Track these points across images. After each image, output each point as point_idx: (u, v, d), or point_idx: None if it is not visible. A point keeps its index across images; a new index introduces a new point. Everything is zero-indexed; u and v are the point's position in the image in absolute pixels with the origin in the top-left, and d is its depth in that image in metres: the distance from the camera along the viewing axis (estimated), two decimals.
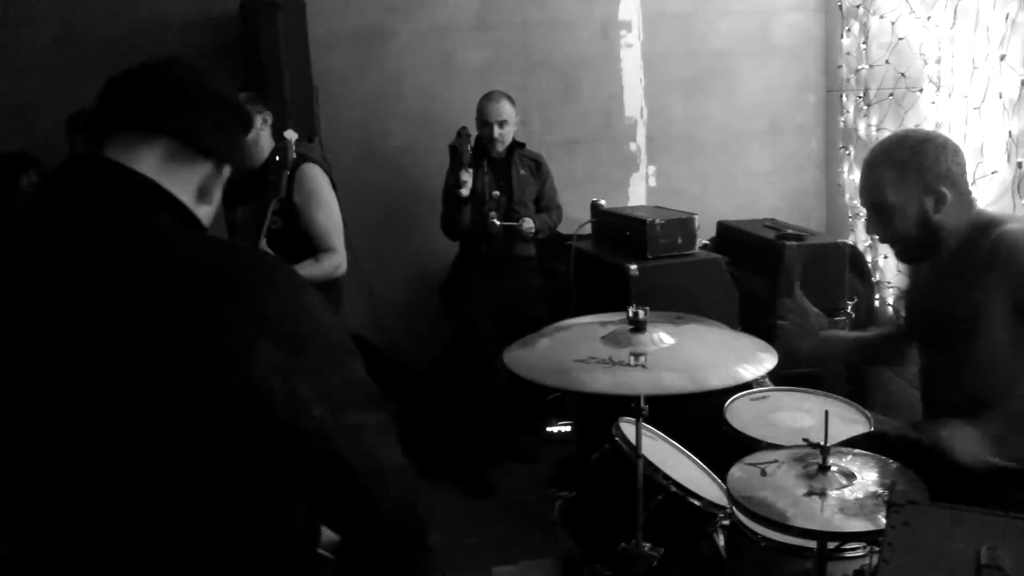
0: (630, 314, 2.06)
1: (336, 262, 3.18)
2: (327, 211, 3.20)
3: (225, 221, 3.24)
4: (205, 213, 1.25)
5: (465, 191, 3.89)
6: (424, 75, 4.82)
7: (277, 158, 2.91)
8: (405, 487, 1.15)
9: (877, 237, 2.23)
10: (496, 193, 4.10)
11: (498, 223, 4.02)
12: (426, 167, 4.35)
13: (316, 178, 3.19)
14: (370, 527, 1.13)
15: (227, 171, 1.28)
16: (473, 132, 4.02)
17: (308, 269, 3.05)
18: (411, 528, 1.17)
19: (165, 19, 4.59)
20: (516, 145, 4.22)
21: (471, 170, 3.90)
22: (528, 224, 4.06)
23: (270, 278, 1.12)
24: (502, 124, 4.09)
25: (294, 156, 2.95)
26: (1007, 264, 1.94)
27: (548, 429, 4.56)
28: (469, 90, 4.35)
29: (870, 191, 2.12)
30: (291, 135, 2.94)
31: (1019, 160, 3.33)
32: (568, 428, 4.51)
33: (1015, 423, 1.89)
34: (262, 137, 3.15)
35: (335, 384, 1.11)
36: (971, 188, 2.15)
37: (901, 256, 2.23)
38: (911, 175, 2.04)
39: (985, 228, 2.04)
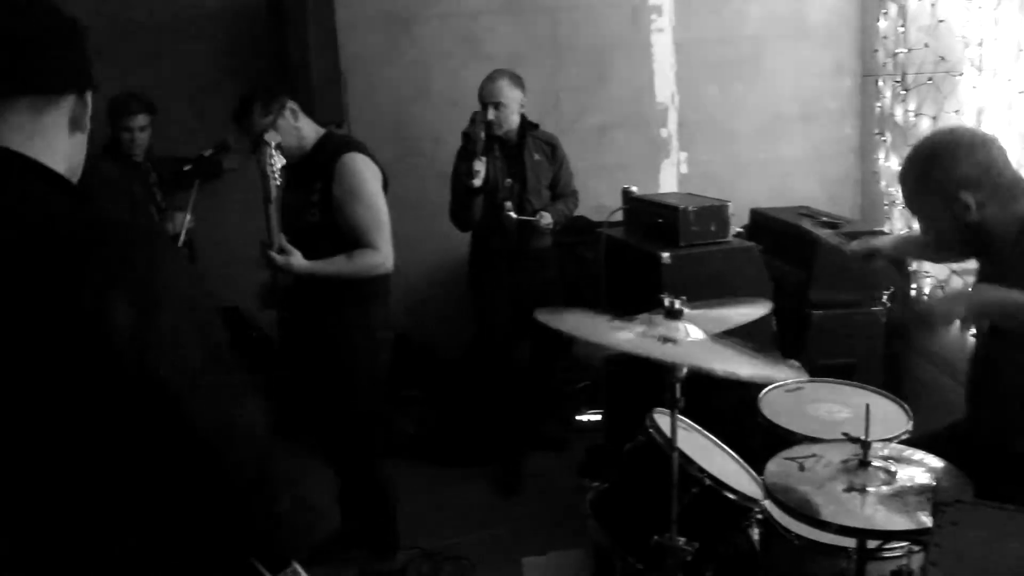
0: (666, 303, 2.01)
1: (375, 260, 2.94)
2: (369, 206, 2.94)
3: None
4: (79, 141, 1.24)
5: (477, 181, 3.71)
6: (452, 60, 4.78)
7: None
8: (254, 448, 1.16)
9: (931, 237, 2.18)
10: (509, 181, 3.93)
11: (514, 217, 3.85)
12: (454, 153, 4.30)
13: (359, 170, 2.93)
14: (215, 488, 1.13)
15: (90, 97, 1.25)
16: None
17: (338, 265, 2.89)
18: (257, 489, 1.16)
19: (191, 6, 4.57)
20: (529, 127, 4.04)
21: (484, 159, 3.72)
22: (546, 220, 3.88)
23: (126, 242, 1.12)
24: (498, 106, 3.88)
25: (272, 158, 2.75)
26: None
27: (577, 418, 4.53)
28: None
29: (907, 205, 2.14)
30: (273, 137, 2.78)
31: None
32: (598, 417, 4.47)
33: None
34: (300, 124, 2.98)
35: (190, 346, 1.11)
36: (1012, 173, 2.06)
37: (955, 255, 2.18)
38: (928, 191, 2.03)
39: None
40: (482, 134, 3.72)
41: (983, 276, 2.24)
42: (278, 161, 2.73)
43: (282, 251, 2.82)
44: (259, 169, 2.79)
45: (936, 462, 2.01)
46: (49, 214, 1.11)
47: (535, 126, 4.10)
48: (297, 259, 2.83)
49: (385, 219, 2.98)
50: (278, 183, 2.75)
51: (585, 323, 2.15)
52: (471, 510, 3.80)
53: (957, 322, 1.90)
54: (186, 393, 1.08)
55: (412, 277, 4.68)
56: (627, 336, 1.95)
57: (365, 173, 2.95)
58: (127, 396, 1.06)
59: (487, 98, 3.92)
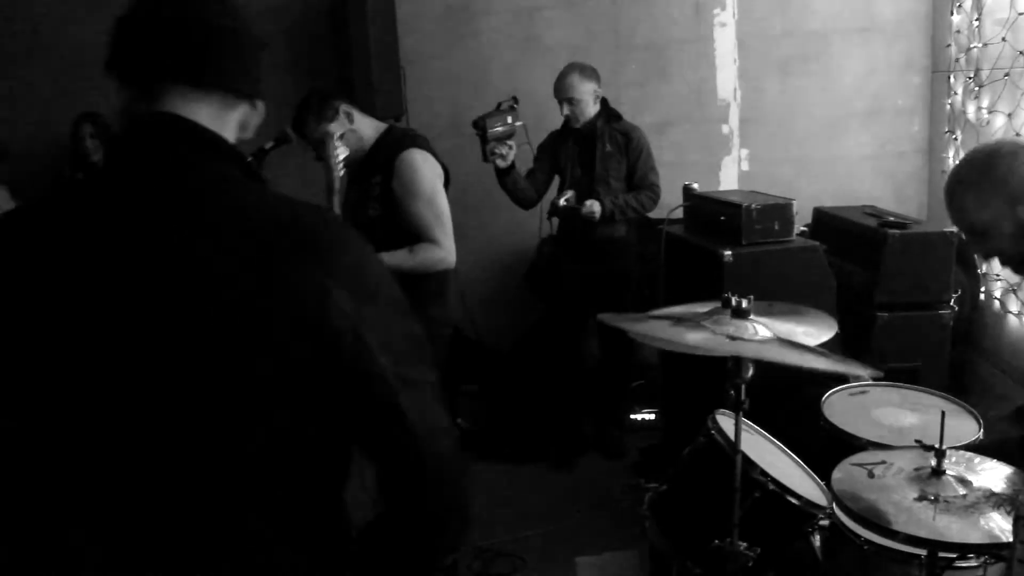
0: (733, 302, 1.97)
1: (437, 256, 2.92)
2: (429, 202, 2.92)
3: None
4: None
5: (500, 162, 3.81)
6: (511, 54, 4.76)
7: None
8: (453, 449, 1.18)
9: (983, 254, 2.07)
10: (578, 171, 3.98)
11: (561, 203, 3.89)
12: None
13: (418, 166, 2.91)
14: (414, 483, 1.16)
15: (261, 107, 1.29)
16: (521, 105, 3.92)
17: (399, 259, 2.86)
18: (455, 491, 1.19)
19: (253, 2, 4.61)
20: (611, 117, 4.06)
21: (511, 143, 3.79)
22: (589, 207, 3.87)
23: (340, 232, 1.15)
24: (571, 101, 3.95)
25: (335, 149, 2.78)
26: None
27: (632, 417, 4.48)
28: (556, 69, 4.26)
29: (957, 218, 2.00)
30: (335, 128, 2.83)
31: None
32: (652, 416, 4.42)
33: None
34: (357, 126, 2.97)
35: (397, 337, 1.14)
36: None
37: (1017, 269, 2.07)
38: (991, 193, 1.89)
39: None
40: (496, 122, 3.77)
41: None
42: (341, 151, 2.73)
43: None
44: (322, 160, 2.80)
45: (1013, 472, 1.93)
46: (259, 202, 1.14)
47: (617, 117, 4.09)
48: None
49: (446, 214, 2.97)
50: (341, 174, 2.76)
51: (649, 324, 2.10)
52: (525, 507, 3.78)
53: None
54: (399, 385, 1.11)
55: (467, 270, 4.67)
56: (696, 336, 1.90)
57: (424, 169, 2.93)
58: (345, 387, 1.09)
59: (560, 95, 3.99)
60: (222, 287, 1.05)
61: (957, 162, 2.05)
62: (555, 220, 4.12)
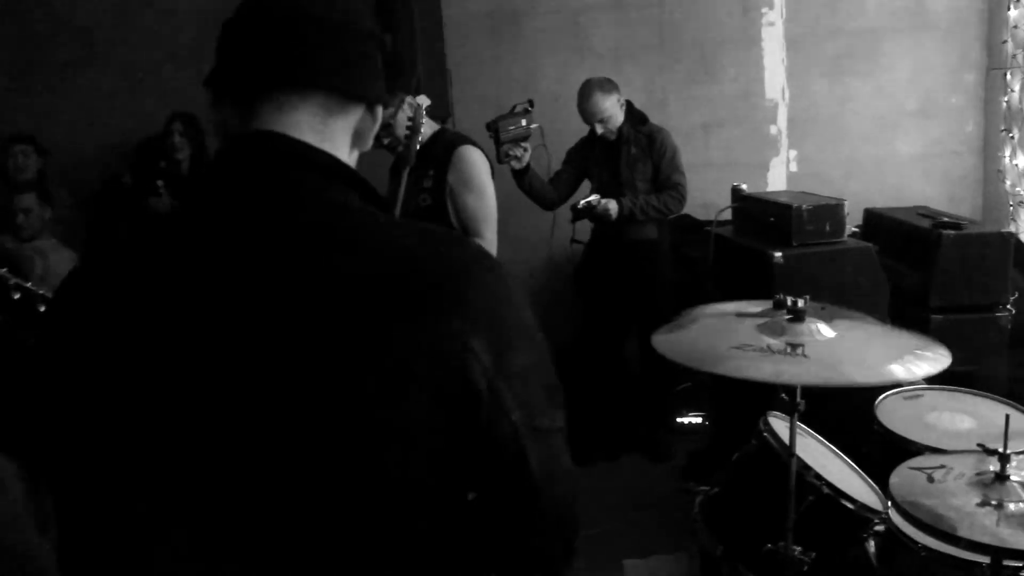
0: (788, 303, 1.94)
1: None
2: (480, 196, 3.01)
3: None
4: (355, 158, 1.11)
5: (515, 164, 3.81)
6: (558, 56, 4.75)
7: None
8: (569, 491, 1.10)
9: None
10: (605, 175, 4.02)
11: (581, 204, 3.91)
12: (557, 149, 4.27)
13: (475, 161, 3.02)
14: (526, 525, 1.07)
15: (380, 112, 1.12)
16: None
17: None
18: (564, 530, 1.12)
19: None
20: (635, 120, 4.06)
21: (525, 145, 3.80)
22: (604, 205, 3.88)
23: (478, 268, 0.99)
24: (602, 121, 3.98)
25: (423, 121, 2.85)
26: None
27: (679, 420, 4.44)
28: (603, 70, 4.25)
29: None
30: (423, 100, 2.89)
31: None
32: (699, 419, 4.38)
33: None
34: (411, 116, 2.99)
35: (534, 387, 1.01)
36: None
37: None
38: None
39: None
40: (511, 124, 3.78)
41: None
42: (424, 126, 2.83)
43: None
44: (402, 132, 2.89)
45: None
46: (386, 237, 0.98)
47: (642, 120, 4.08)
48: None
49: (494, 211, 3.05)
50: (418, 147, 2.83)
51: (705, 344, 2.03)
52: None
53: None
54: (529, 437, 0.99)
55: (513, 273, 4.68)
56: (754, 363, 1.84)
57: (480, 165, 3.03)
58: (473, 445, 0.96)
59: (588, 118, 4.01)
60: (346, 345, 0.90)
61: None
62: (579, 223, 4.13)
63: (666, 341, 2.00)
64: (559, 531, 1.11)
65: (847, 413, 2.65)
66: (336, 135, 1.04)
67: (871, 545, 2.29)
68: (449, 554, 1.04)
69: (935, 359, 1.92)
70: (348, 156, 1.08)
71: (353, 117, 1.07)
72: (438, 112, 4.31)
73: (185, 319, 0.92)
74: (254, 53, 1.00)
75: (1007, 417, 1.85)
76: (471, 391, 0.93)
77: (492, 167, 3.12)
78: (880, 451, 2.47)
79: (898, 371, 1.86)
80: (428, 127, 3.05)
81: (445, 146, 3.02)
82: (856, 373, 1.86)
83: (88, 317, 0.97)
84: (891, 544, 2.18)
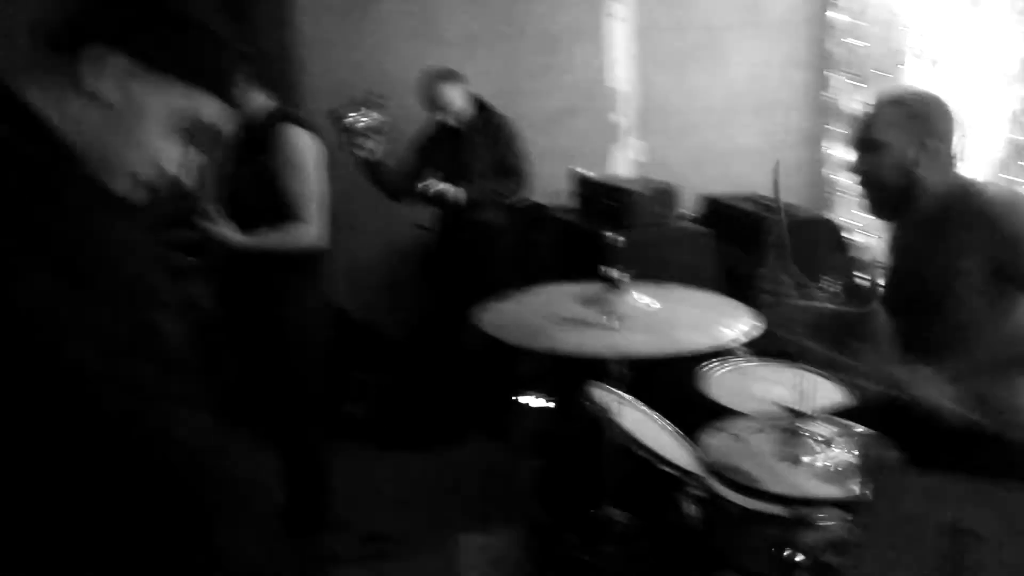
0: (604, 274, 2.00)
1: (309, 235, 2.94)
2: (305, 179, 2.93)
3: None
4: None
5: (368, 156, 3.80)
6: (409, 42, 4.72)
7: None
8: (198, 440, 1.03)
9: (858, 179, 2.19)
10: (449, 162, 4.05)
11: (431, 191, 3.94)
12: (408, 135, 4.27)
13: (299, 142, 2.92)
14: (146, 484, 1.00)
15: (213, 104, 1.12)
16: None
17: (270, 241, 2.89)
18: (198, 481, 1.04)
19: None
20: (480, 109, 4.12)
21: (377, 137, 3.78)
22: (454, 194, 3.94)
23: (56, 195, 0.98)
24: (447, 110, 4.01)
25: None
26: (991, 226, 1.93)
27: (520, 400, 4.50)
28: (453, 59, 4.26)
29: (868, 126, 2.11)
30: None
31: (1012, 137, 3.29)
32: (540, 399, 4.45)
33: (982, 369, 1.85)
34: (248, 98, 2.91)
35: (108, 325, 0.97)
36: (958, 156, 2.11)
37: (874, 206, 2.19)
38: (911, 121, 2.05)
39: (965, 191, 2.03)
40: (356, 115, 3.76)
41: (894, 251, 2.27)
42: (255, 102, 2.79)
43: (216, 221, 2.82)
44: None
45: (868, 433, 2.02)
46: None
47: (485, 107, 4.13)
48: (231, 231, 2.81)
49: (322, 194, 2.98)
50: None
51: (522, 319, 2.07)
52: (411, 492, 3.77)
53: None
54: (100, 377, 0.95)
55: (362, 259, 4.65)
56: (568, 336, 1.89)
57: (304, 146, 2.94)
58: (36, 380, 0.93)
59: (434, 108, 4.04)
60: None
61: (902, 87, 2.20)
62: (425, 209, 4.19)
63: (485, 317, 2.03)
64: (193, 483, 1.04)
65: (674, 385, 2.75)
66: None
67: (692, 509, 2.38)
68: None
69: (747, 327, 2.01)
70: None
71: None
72: (283, 97, 4.23)
73: None
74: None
75: (804, 378, 1.96)
76: (22, 320, 0.92)
77: (322, 149, 3.06)
78: (704, 420, 2.58)
79: (714, 338, 1.94)
80: (258, 105, 2.96)
81: (268, 127, 2.93)
82: (675, 342, 1.94)
83: None
84: (709, 506, 2.28)
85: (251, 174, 2.90)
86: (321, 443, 3.28)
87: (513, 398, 4.41)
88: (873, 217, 2.25)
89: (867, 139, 2.12)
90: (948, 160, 2.07)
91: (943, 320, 2.04)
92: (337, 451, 3.68)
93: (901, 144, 2.05)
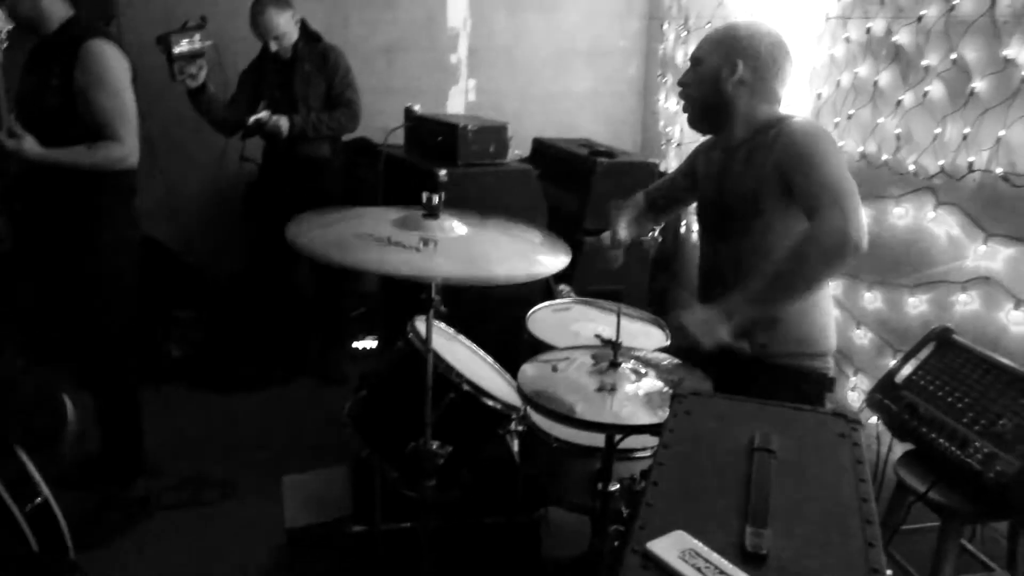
0: (424, 199, 1.96)
1: (119, 153, 2.76)
2: (114, 95, 2.75)
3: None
4: None
5: (191, 83, 3.56)
6: None
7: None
8: None
9: (680, 90, 2.30)
10: (277, 93, 3.90)
11: (250, 120, 3.78)
12: (231, 62, 4.03)
13: (106, 56, 2.74)
14: None
15: None
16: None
17: (76, 155, 2.70)
18: None
19: None
20: (309, 38, 3.97)
21: (200, 63, 3.54)
22: (276, 122, 3.80)
23: None
24: (276, 38, 3.83)
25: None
26: (783, 147, 2.02)
27: (353, 345, 4.43)
28: None
29: (698, 45, 2.24)
30: None
31: (818, 92, 3.45)
32: (373, 343, 4.40)
33: (762, 290, 1.93)
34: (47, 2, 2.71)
35: None
36: (780, 92, 2.20)
37: (691, 119, 2.29)
38: (724, 42, 2.16)
39: (775, 122, 2.12)
40: (184, 40, 3.51)
41: (706, 175, 2.36)
42: (4, 24, 2.43)
43: (12, 134, 2.57)
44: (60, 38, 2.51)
45: (682, 364, 2.08)
46: None
47: (316, 38, 3.97)
48: (30, 144, 2.59)
49: (131, 111, 2.80)
50: (4, 46, 2.46)
51: (332, 236, 2.00)
52: (239, 435, 3.66)
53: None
54: None
55: (188, 193, 4.42)
56: (378, 255, 1.83)
57: (111, 61, 2.75)
58: None
59: (262, 35, 3.84)
60: None
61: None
62: (250, 140, 4.01)
63: (297, 233, 1.94)
64: None
65: (503, 326, 2.76)
66: None
67: (513, 443, 2.40)
68: None
69: (556, 260, 2.02)
70: None
71: None
72: (99, 12, 3.91)
73: None
74: None
75: (619, 309, 1.99)
76: None
77: (133, 66, 2.86)
78: (529, 357, 2.60)
79: (523, 267, 1.94)
80: (59, 11, 2.72)
81: (72, 39, 2.70)
82: (484, 268, 1.91)
83: None
84: (530, 440, 2.30)
85: (52, 87, 2.68)
86: (135, 382, 3.11)
87: (347, 342, 4.37)
88: (692, 129, 2.33)
89: (693, 56, 2.24)
90: (765, 92, 2.16)
91: (751, 242, 2.13)
92: (159, 392, 3.51)
93: (715, 62, 2.16)
